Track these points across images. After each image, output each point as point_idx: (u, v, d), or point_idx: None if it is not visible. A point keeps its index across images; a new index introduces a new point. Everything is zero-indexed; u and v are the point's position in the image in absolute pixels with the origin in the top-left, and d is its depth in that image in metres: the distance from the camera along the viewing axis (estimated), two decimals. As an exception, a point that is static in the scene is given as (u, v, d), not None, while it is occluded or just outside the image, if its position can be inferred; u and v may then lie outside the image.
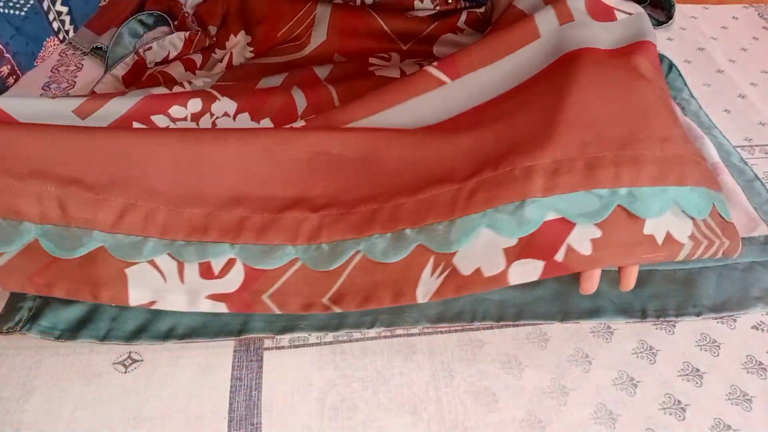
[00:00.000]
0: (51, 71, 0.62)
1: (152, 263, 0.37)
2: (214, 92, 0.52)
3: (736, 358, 0.43)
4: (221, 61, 0.64)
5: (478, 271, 0.36)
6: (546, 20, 0.46)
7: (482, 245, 0.36)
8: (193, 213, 0.38)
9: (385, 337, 0.43)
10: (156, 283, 0.37)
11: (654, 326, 0.45)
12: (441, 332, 0.43)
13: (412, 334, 0.43)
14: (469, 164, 0.39)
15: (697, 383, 0.41)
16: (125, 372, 0.40)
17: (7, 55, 0.36)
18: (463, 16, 0.70)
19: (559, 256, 0.35)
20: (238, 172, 0.40)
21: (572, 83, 0.40)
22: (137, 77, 0.61)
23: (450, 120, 0.45)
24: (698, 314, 0.45)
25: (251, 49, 0.68)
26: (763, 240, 0.49)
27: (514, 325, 0.44)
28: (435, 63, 0.47)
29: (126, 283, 0.37)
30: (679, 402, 0.40)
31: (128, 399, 0.39)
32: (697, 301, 0.45)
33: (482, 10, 0.72)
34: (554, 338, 0.44)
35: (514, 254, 0.36)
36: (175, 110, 0.49)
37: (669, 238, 0.36)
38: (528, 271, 0.35)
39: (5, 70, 0.36)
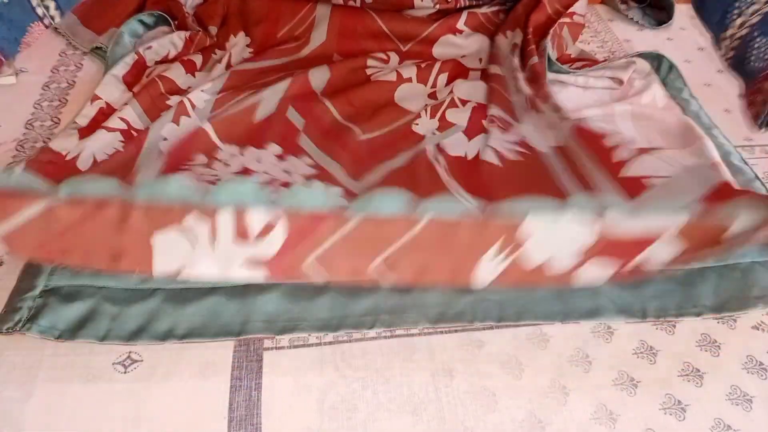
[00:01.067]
0: (51, 71, 0.62)
1: (182, 227, 0.34)
2: (216, 140, 0.53)
3: (736, 358, 0.43)
4: (220, 62, 0.64)
5: (541, 267, 0.37)
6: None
7: (556, 233, 0.36)
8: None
9: (385, 337, 0.43)
10: (184, 251, 0.35)
11: (654, 326, 0.45)
12: (441, 332, 0.43)
13: (412, 334, 0.43)
14: None
15: (697, 383, 0.41)
16: (125, 372, 0.40)
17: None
18: (463, 18, 0.70)
19: (639, 259, 0.36)
20: None
21: None
22: (137, 77, 0.61)
23: None
24: (698, 314, 0.45)
25: (251, 50, 0.68)
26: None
27: (514, 325, 0.44)
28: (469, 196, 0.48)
29: (150, 253, 0.35)
30: (679, 402, 0.40)
31: (128, 399, 0.39)
32: (697, 301, 0.45)
33: (483, 10, 0.72)
34: (554, 338, 0.43)
35: (591, 253, 0.36)
36: (190, 164, 0.51)
37: None
38: (598, 272, 0.37)
39: None
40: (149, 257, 0.35)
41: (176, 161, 0.51)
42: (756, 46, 0.40)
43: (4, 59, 0.39)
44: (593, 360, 0.42)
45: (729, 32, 0.43)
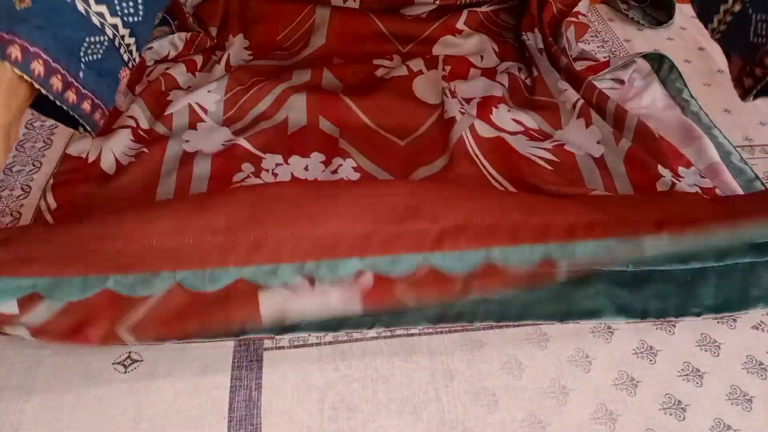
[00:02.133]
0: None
1: (284, 285, 0.38)
2: (257, 152, 0.54)
3: (736, 358, 0.43)
4: (219, 63, 0.64)
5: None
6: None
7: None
8: (320, 235, 0.39)
9: (385, 337, 0.43)
10: (287, 299, 0.39)
11: (654, 326, 0.45)
12: (441, 332, 0.43)
13: (412, 334, 0.43)
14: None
15: (697, 383, 0.41)
16: (125, 372, 0.40)
17: (88, 93, 0.39)
18: (463, 17, 0.70)
19: None
20: (361, 205, 0.41)
21: None
22: (138, 77, 0.61)
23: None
24: (698, 314, 0.45)
25: (249, 52, 0.68)
26: None
27: (514, 325, 0.44)
28: None
29: (258, 306, 0.38)
30: (679, 402, 0.40)
31: (128, 399, 0.39)
32: (697, 301, 0.45)
33: (483, 9, 0.72)
34: (554, 338, 0.44)
35: None
36: (240, 175, 0.52)
37: None
38: None
39: (87, 106, 0.39)
40: (257, 311, 0.38)
41: (223, 175, 0.52)
42: (754, 21, 0.41)
43: (107, 113, 0.41)
44: (593, 360, 0.42)
45: (722, 8, 0.43)
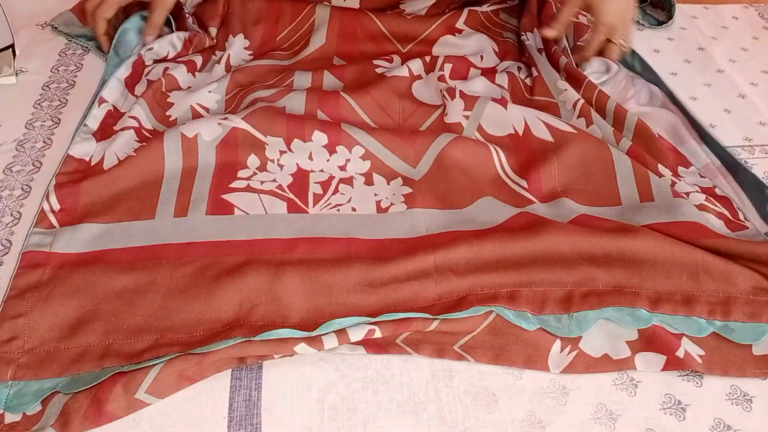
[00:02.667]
0: (51, 71, 0.62)
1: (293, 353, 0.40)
2: (258, 135, 0.54)
3: (736, 358, 0.43)
4: (219, 63, 0.64)
5: (606, 355, 0.42)
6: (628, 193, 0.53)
7: (605, 335, 0.43)
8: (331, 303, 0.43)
9: (385, 337, 0.43)
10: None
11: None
12: (441, 332, 0.43)
13: (412, 334, 0.43)
14: (580, 272, 0.45)
15: (697, 383, 0.41)
16: (125, 372, 0.40)
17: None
18: (463, 17, 0.70)
19: (680, 353, 0.41)
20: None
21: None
22: (137, 78, 0.61)
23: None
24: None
25: (250, 52, 0.68)
26: (763, 239, 0.49)
27: (514, 325, 0.44)
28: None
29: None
30: (679, 402, 0.40)
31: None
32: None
33: (483, 9, 0.72)
34: (554, 338, 0.43)
35: (637, 347, 0.42)
36: (245, 172, 0.53)
37: None
38: (652, 362, 0.42)
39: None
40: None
41: (226, 172, 0.52)
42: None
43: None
44: (593, 360, 0.42)
45: None
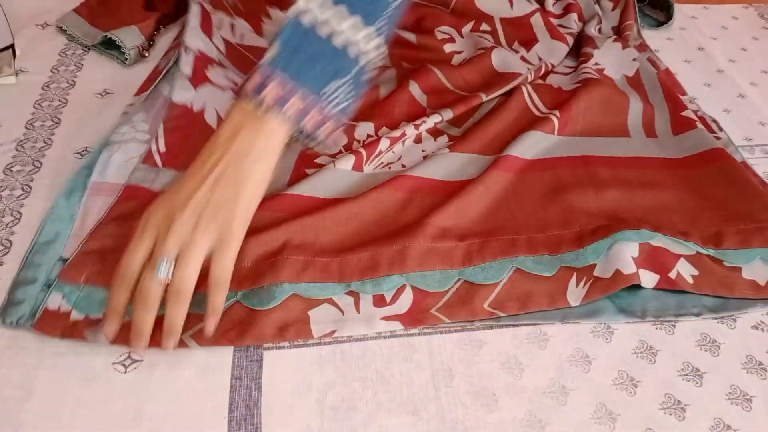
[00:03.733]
0: (51, 71, 0.62)
1: (331, 302, 0.43)
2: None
3: (736, 358, 0.43)
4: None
5: (617, 272, 0.44)
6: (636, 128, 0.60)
7: (613, 254, 0.45)
8: (362, 257, 0.45)
9: (385, 337, 0.43)
10: (335, 316, 0.43)
11: (654, 326, 0.45)
12: (441, 332, 0.43)
13: (412, 334, 0.43)
14: (591, 216, 0.50)
15: (697, 383, 0.41)
16: (125, 372, 0.40)
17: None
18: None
19: (672, 274, 0.45)
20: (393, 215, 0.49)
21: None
22: (201, 71, 0.60)
23: (556, 159, 0.56)
24: (698, 314, 0.45)
25: None
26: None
27: (514, 325, 0.44)
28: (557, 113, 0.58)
29: (308, 322, 0.42)
30: (679, 402, 0.40)
31: (128, 399, 0.39)
32: (696, 301, 0.45)
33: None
34: (554, 338, 0.44)
35: (639, 262, 0.45)
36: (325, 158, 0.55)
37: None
38: (649, 279, 0.45)
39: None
40: (308, 326, 0.42)
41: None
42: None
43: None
44: (593, 360, 0.42)
45: None
